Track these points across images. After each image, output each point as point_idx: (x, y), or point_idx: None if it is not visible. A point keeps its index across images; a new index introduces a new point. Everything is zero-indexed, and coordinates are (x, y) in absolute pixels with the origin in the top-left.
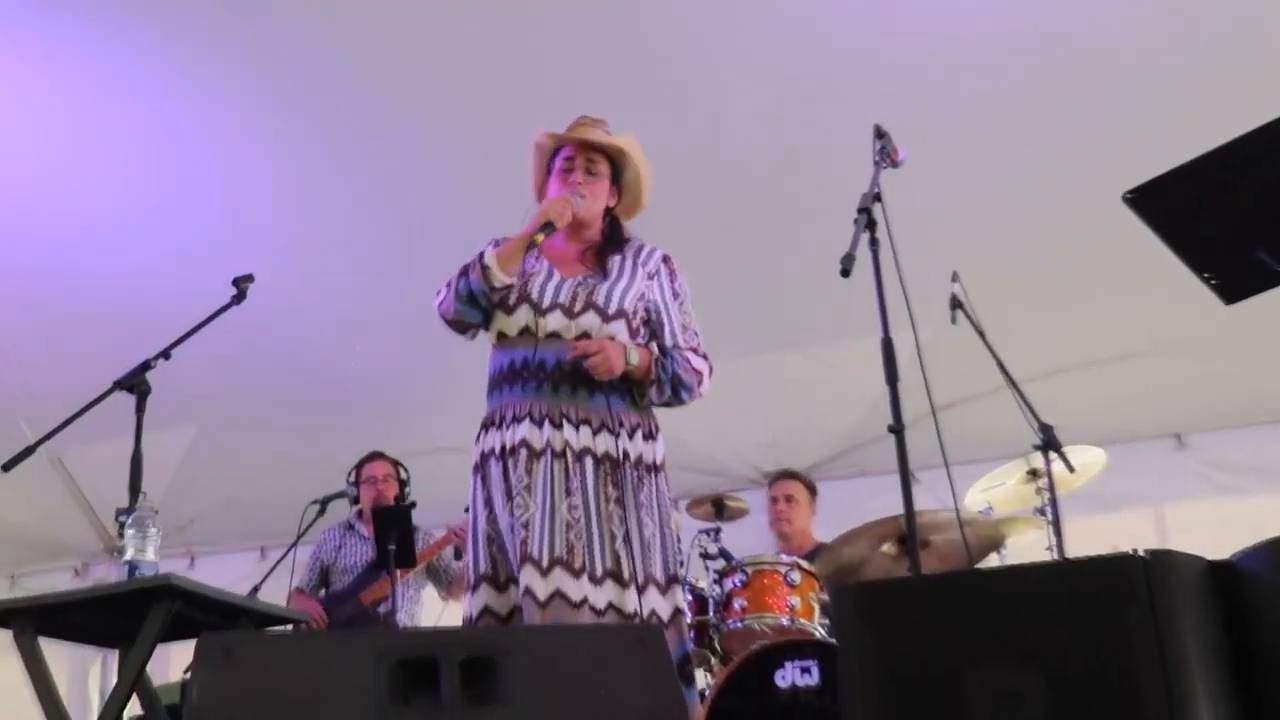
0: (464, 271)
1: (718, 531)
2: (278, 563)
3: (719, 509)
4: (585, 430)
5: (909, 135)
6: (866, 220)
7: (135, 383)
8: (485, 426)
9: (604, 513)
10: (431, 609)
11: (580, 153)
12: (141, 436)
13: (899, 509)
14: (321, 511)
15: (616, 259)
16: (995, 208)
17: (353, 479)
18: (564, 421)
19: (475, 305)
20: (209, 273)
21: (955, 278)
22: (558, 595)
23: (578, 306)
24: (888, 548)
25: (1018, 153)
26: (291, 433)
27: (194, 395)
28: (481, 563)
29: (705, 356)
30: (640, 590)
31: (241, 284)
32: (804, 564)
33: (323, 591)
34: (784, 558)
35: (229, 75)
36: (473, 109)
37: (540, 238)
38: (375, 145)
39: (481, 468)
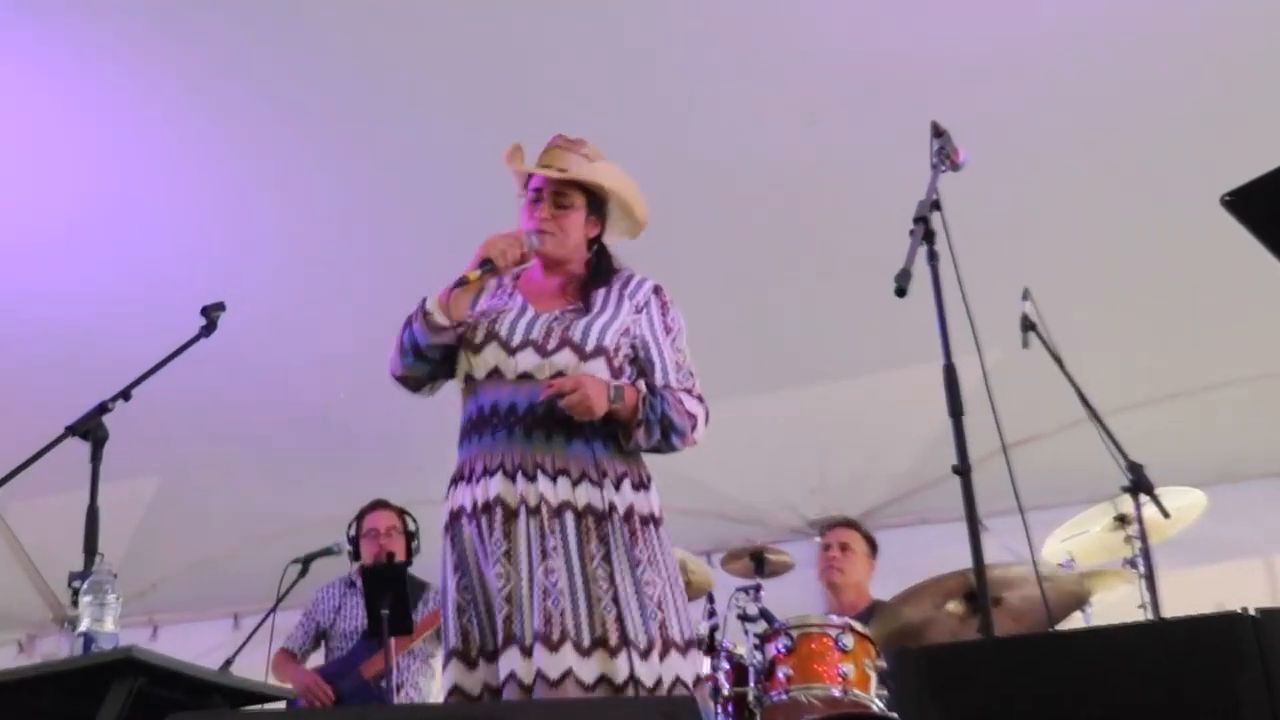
0: (408, 322)
1: (758, 589)
2: (253, 632)
3: (759, 563)
4: (564, 482)
5: (969, 134)
6: (924, 231)
7: (90, 427)
8: (455, 481)
9: (589, 574)
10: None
11: (548, 182)
12: (98, 489)
13: (966, 561)
14: (304, 572)
15: (602, 292)
16: (1072, 214)
17: (353, 531)
18: (539, 473)
19: (421, 358)
20: (175, 301)
21: (1026, 295)
22: (539, 677)
23: (552, 343)
24: (954, 606)
25: (1098, 152)
26: (270, 483)
27: (158, 441)
28: (451, 636)
29: (701, 399)
30: (643, 656)
31: (212, 313)
32: (858, 626)
33: (314, 656)
34: (834, 619)
35: (200, 82)
36: (473, 117)
37: (473, 277)
38: (366, 157)
39: (452, 527)
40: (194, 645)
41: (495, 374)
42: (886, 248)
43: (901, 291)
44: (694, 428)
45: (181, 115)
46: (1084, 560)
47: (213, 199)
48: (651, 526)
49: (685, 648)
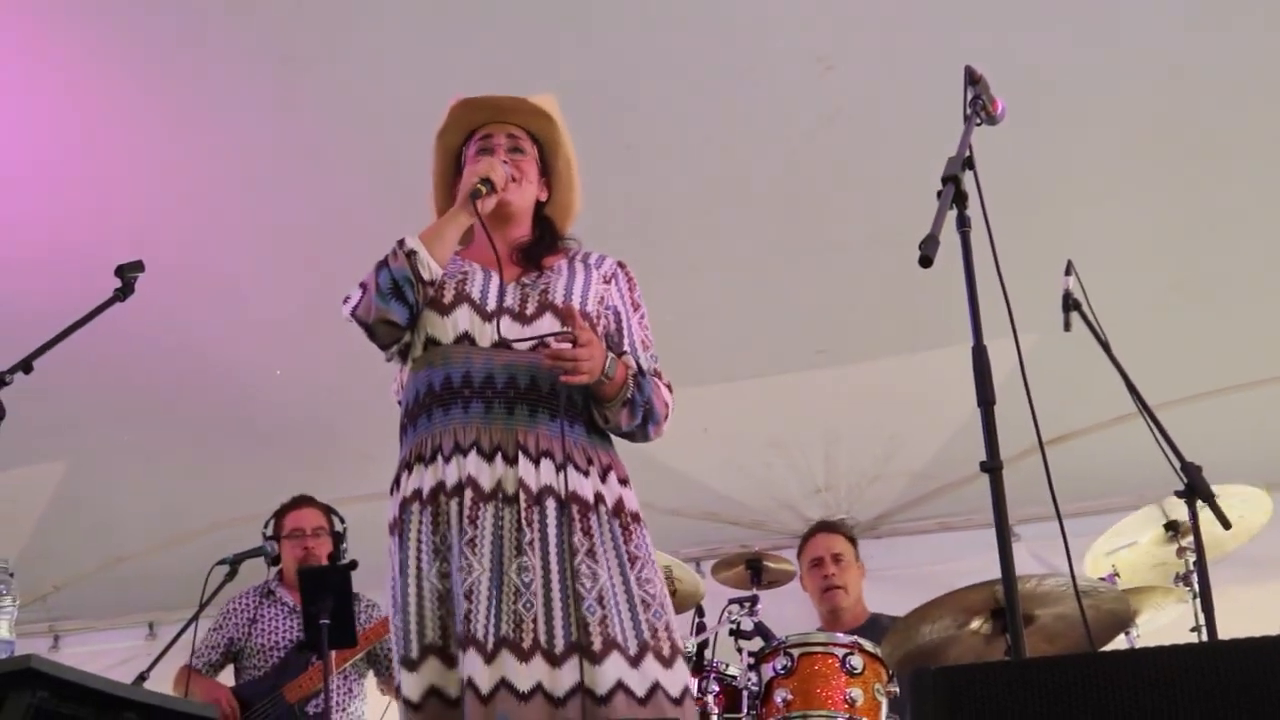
0: (382, 264)
1: (754, 601)
2: (173, 642)
3: (756, 572)
4: (547, 465)
5: (1007, 83)
6: (954, 192)
7: None
8: (408, 466)
9: (571, 569)
10: (375, 706)
11: (499, 130)
12: None
13: (992, 573)
14: (231, 574)
15: (560, 262)
16: (1124, 179)
17: (271, 531)
18: (520, 455)
19: (402, 299)
20: (84, 261)
21: (1070, 269)
22: (502, 685)
23: (530, 308)
24: (979, 625)
25: (1155, 106)
26: (192, 471)
27: (63, 422)
28: (429, 630)
29: (670, 387)
30: (634, 661)
31: (127, 274)
32: (867, 645)
33: (224, 677)
34: (841, 637)
35: (110, 12)
36: (432, 50)
37: (484, 190)
38: (305, 94)
39: (401, 522)
40: (102, 657)
41: (465, 340)
42: (909, 213)
43: (926, 261)
44: (666, 418)
45: (89, 51)
46: (1129, 575)
47: (126, 143)
48: (641, 526)
49: (684, 658)
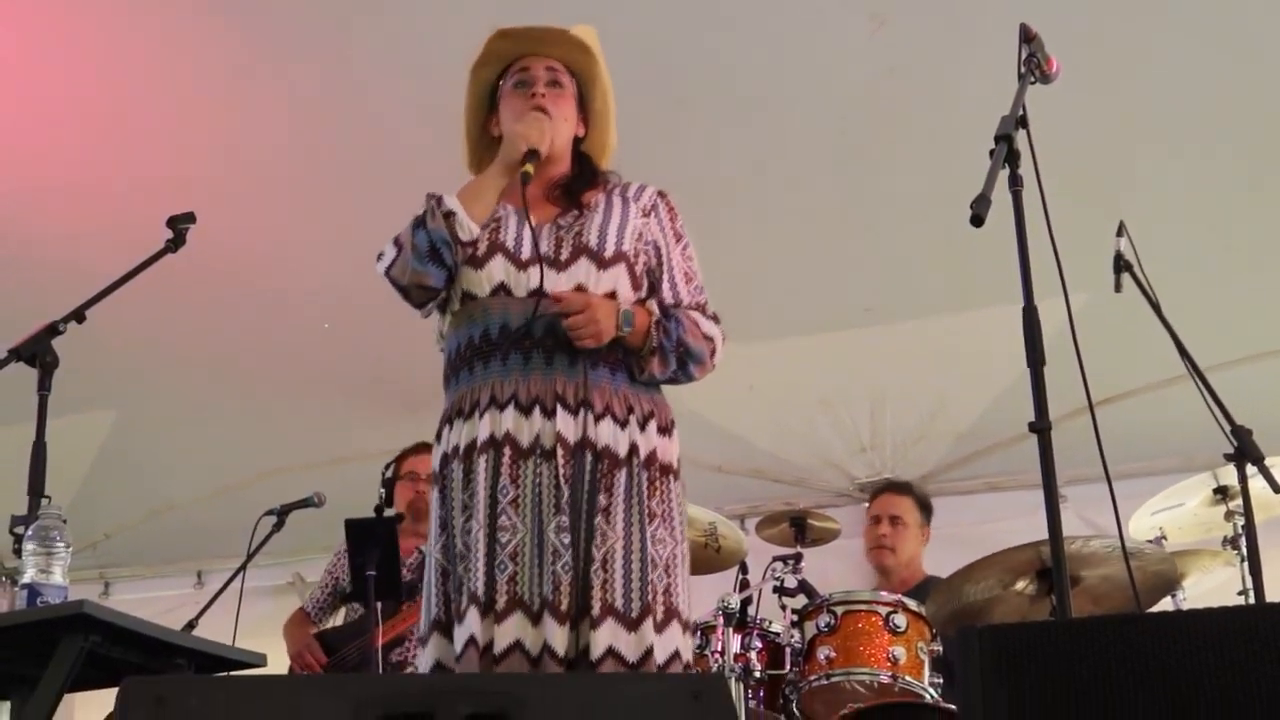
0: (418, 223)
1: (798, 559)
2: (219, 591)
3: (800, 530)
4: (585, 415)
5: (1062, 42)
6: (1007, 151)
7: (38, 351)
8: (449, 420)
9: (592, 529)
10: None
11: (538, 63)
12: (45, 423)
13: (1038, 534)
14: (279, 525)
15: (598, 196)
16: (1179, 136)
17: (389, 473)
18: (559, 407)
19: (439, 262)
20: (138, 211)
21: (1122, 230)
22: (545, 652)
23: (565, 253)
24: (1024, 585)
25: (1211, 66)
26: (242, 421)
27: (115, 370)
28: (434, 605)
29: (716, 318)
30: (631, 626)
31: (179, 225)
32: (911, 604)
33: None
34: (885, 595)
35: None
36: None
37: (530, 169)
38: (353, 42)
39: (443, 477)
40: (151, 604)
41: (501, 291)
42: (961, 171)
43: (978, 220)
44: (713, 353)
45: (136, 4)
46: (1177, 538)
47: (177, 95)
48: (670, 479)
49: (687, 623)
